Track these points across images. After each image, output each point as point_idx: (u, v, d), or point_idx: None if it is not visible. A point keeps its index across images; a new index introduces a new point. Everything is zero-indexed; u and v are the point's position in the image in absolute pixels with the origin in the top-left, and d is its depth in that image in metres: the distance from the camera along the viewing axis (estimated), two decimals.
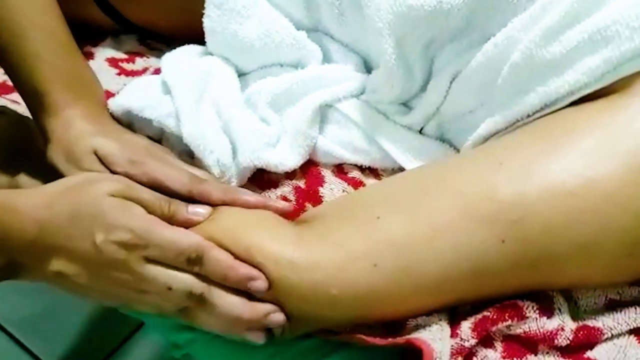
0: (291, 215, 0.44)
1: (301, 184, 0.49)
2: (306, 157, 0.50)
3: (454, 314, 0.40)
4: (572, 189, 0.33)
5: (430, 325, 0.38)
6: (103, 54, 0.62)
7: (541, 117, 0.39)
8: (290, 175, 0.50)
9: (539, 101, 0.38)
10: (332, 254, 0.36)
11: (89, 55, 0.61)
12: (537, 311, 0.38)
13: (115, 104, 0.50)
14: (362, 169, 0.51)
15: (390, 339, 0.38)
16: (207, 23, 0.52)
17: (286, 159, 0.48)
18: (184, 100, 0.48)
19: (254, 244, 0.37)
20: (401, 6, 0.43)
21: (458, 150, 0.47)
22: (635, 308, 0.38)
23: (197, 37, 0.56)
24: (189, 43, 0.57)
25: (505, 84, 0.40)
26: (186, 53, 0.56)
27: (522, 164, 0.35)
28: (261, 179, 0.50)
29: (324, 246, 0.37)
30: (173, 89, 0.49)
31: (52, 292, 1.11)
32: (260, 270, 0.37)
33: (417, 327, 0.38)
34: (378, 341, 0.38)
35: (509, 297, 0.38)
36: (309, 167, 0.51)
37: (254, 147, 0.47)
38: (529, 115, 0.40)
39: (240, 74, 0.54)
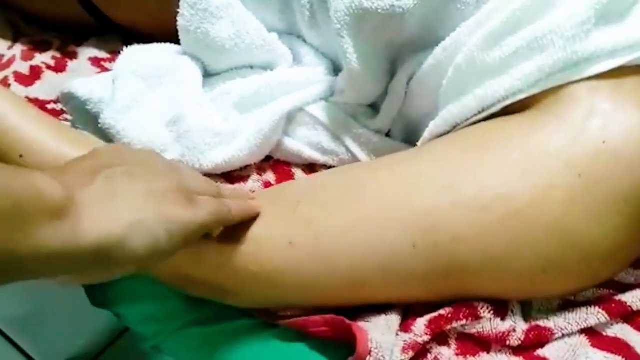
0: None
1: (271, 180, 0.53)
2: (261, 157, 0.54)
3: (408, 313, 0.43)
4: (482, 203, 0.36)
5: (378, 321, 0.41)
6: (86, 53, 0.66)
7: (477, 122, 0.42)
8: (260, 171, 0.54)
9: (476, 104, 0.42)
10: (251, 231, 0.40)
11: (73, 55, 0.66)
12: (491, 312, 0.41)
13: (65, 87, 0.55)
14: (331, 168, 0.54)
15: (323, 320, 0.41)
16: (181, 22, 0.56)
17: (237, 156, 0.52)
18: (122, 93, 0.52)
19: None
20: (357, 9, 0.47)
21: None
22: (587, 308, 0.41)
23: (177, 37, 0.59)
24: (169, 42, 0.61)
25: (449, 86, 0.44)
26: (153, 49, 0.60)
27: (438, 176, 0.38)
28: (230, 174, 0.54)
29: (244, 224, 0.40)
30: (116, 81, 0.54)
31: (45, 291, 1.15)
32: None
33: (366, 323, 0.42)
34: (312, 323, 0.41)
35: (433, 304, 0.41)
36: (280, 165, 0.55)
37: (202, 144, 0.52)
38: (467, 119, 0.43)
39: (212, 74, 0.57)
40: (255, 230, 0.40)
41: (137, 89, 0.53)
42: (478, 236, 0.36)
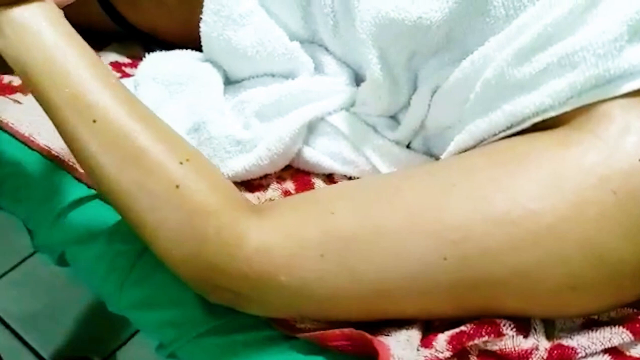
0: None
1: (291, 189, 0.53)
2: (282, 166, 0.54)
3: (429, 328, 0.42)
4: (514, 219, 0.36)
5: (399, 336, 0.41)
6: (107, 58, 0.66)
7: (506, 137, 0.42)
8: (280, 180, 0.53)
9: (505, 120, 0.41)
10: (283, 241, 0.39)
11: None
12: (514, 329, 0.40)
13: None
14: (351, 179, 0.54)
15: (343, 334, 0.40)
16: (204, 28, 0.56)
17: (257, 165, 0.52)
18: (143, 99, 0.51)
19: (214, 210, 0.40)
20: (383, 19, 0.47)
21: None
22: (611, 328, 0.40)
23: (198, 43, 0.59)
24: (191, 49, 0.61)
25: (476, 101, 0.43)
26: (175, 55, 0.60)
27: (471, 189, 0.38)
28: (250, 182, 0.53)
29: (276, 233, 0.40)
30: (138, 86, 0.53)
31: (56, 289, 1.16)
32: (208, 240, 0.39)
33: (386, 337, 0.41)
34: (332, 336, 0.41)
35: (455, 320, 0.40)
36: (300, 174, 0.55)
37: (223, 152, 0.51)
38: (495, 134, 0.42)
39: (233, 82, 0.57)
40: (287, 242, 0.39)
41: (159, 95, 0.53)
42: (508, 251, 0.36)
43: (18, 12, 0.42)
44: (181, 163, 0.40)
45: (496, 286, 0.37)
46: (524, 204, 0.36)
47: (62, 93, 0.41)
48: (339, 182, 0.53)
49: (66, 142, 0.43)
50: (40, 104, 0.43)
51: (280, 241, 0.39)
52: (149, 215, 0.40)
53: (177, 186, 0.39)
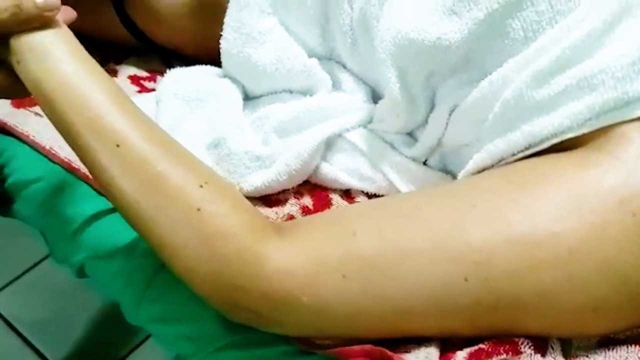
0: None
1: (309, 204, 0.53)
2: (299, 181, 0.54)
3: (447, 345, 0.42)
4: (535, 241, 0.36)
5: (418, 353, 0.41)
6: (126, 71, 0.67)
7: (524, 157, 0.42)
8: (298, 195, 0.54)
9: (523, 140, 0.42)
10: (305, 262, 0.40)
11: (113, 73, 0.67)
12: (531, 347, 0.40)
13: None
14: (368, 195, 0.55)
15: (363, 350, 0.41)
16: (224, 45, 0.57)
17: (276, 180, 0.53)
18: (165, 114, 0.52)
19: (235, 232, 0.40)
20: (403, 39, 0.47)
21: None
22: (627, 346, 0.40)
23: (217, 59, 0.60)
24: (209, 64, 0.62)
25: (495, 121, 0.44)
26: (195, 71, 0.60)
27: (492, 210, 0.38)
28: (268, 197, 0.54)
29: (298, 253, 0.40)
30: (160, 102, 0.53)
31: (64, 294, 1.17)
32: (229, 261, 0.39)
33: (405, 354, 0.41)
34: (351, 352, 0.41)
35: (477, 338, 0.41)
36: (317, 190, 0.56)
37: (242, 168, 0.52)
38: (513, 154, 0.43)
39: (251, 97, 0.58)
40: (309, 262, 0.39)
41: (180, 111, 0.54)
42: (530, 273, 0.36)
43: (39, 39, 0.43)
44: (201, 186, 0.41)
45: (517, 307, 0.37)
46: (544, 226, 0.36)
47: (82, 118, 0.41)
48: (360, 201, 0.53)
49: (87, 166, 0.43)
50: (59, 130, 0.43)
51: (301, 262, 0.39)
52: (170, 238, 0.40)
53: (198, 209, 0.40)
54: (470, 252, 0.37)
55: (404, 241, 0.38)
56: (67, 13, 0.47)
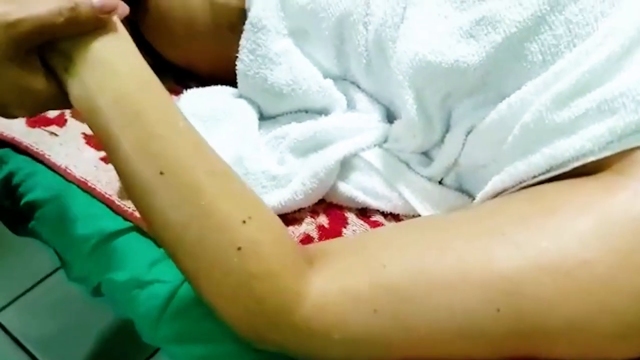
0: None
1: (325, 223, 0.53)
2: (315, 200, 0.54)
3: None
4: (566, 269, 0.36)
5: None
6: None
7: (546, 180, 0.42)
8: (314, 214, 0.54)
9: (545, 163, 0.42)
10: (338, 298, 0.39)
11: None
12: None
13: None
14: (384, 213, 0.55)
15: None
16: (240, 66, 0.58)
17: (293, 200, 0.53)
18: None
19: (274, 273, 0.39)
20: (420, 61, 0.48)
21: None
22: None
23: (231, 78, 0.61)
24: (223, 84, 0.62)
25: (514, 143, 0.44)
26: (211, 91, 0.61)
27: (521, 238, 0.38)
28: (285, 217, 0.54)
29: (331, 289, 0.39)
30: None
31: (70, 310, 1.16)
32: (267, 301, 0.39)
33: None
34: None
35: None
36: (333, 209, 0.56)
37: (259, 187, 0.52)
38: (534, 177, 0.43)
39: (267, 117, 0.58)
40: (341, 298, 0.39)
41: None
42: (562, 302, 0.36)
43: (92, 46, 0.39)
44: (244, 221, 0.39)
45: (548, 335, 0.37)
46: (574, 254, 0.36)
47: (129, 137, 0.39)
48: (376, 220, 0.53)
49: (125, 186, 0.41)
50: (104, 144, 0.40)
51: (334, 298, 0.39)
52: (208, 274, 0.39)
53: (239, 248, 0.38)
54: (501, 281, 0.36)
55: (433, 272, 0.38)
56: (120, 8, 0.43)
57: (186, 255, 0.40)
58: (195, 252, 0.39)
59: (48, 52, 0.40)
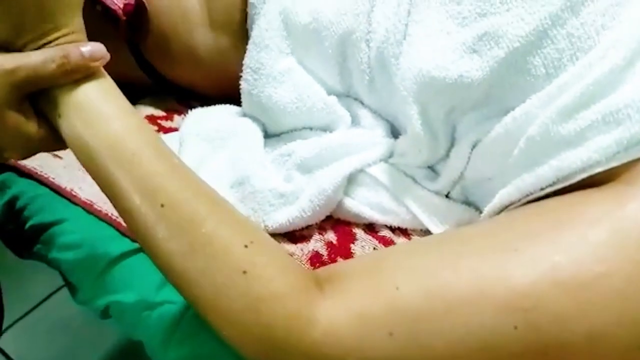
0: None
1: (333, 239, 0.53)
2: (323, 217, 0.55)
3: None
4: (582, 283, 0.36)
5: None
6: (143, 111, 0.68)
7: (554, 192, 0.43)
8: (321, 231, 0.54)
9: (552, 175, 0.42)
10: (351, 323, 0.39)
11: None
12: None
13: None
14: (392, 228, 0.55)
15: None
16: (244, 86, 0.58)
17: (300, 217, 0.53)
18: (189, 155, 0.52)
19: (281, 296, 0.39)
20: (424, 77, 0.48)
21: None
22: None
23: (234, 97, 0.61)
24: (225, 102, 0.63)
25: (521, 156, 0.44)
26: (215, 111, 0.61)
27: (535, 253, 0.38)
28: (292, 234, 0.54)
29: (343, 313, 0.39)
30: (183, 143, 0.54)
31: (69, 333, 1.15)
32: (276, 326, 0.38)
33: None
34: None
35: None
36: (341, 225, 0.56)
37: (267, 205, 0.52)
38: (542, 189, 0.43)
39: (271, 135, 0.58)
40: (355, 323, 0.38)
41: (202, 151, 0.54)
42: (580, 316, 0.36)
43: (84, 93, 0.41)
44: (246, 246, 0.40)
45: (565, 350, 0.37)
46: (589, 267, 0.36)
47: (127, 176, 0.40)
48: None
49: (128, 223, 0.42)
50: (101, 185, 0.42)
51: (347, 323, 0.38)
52: (215, 302, 0.39)
53: (244, 272, 0.39)
54: (517, 298, 0.36)
55: (448, 292, 0.38)
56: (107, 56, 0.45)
57: (191, 284, 0.40)
58: (200, 280, 0.39)
59: (41, 100, 0.42)
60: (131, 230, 0.42)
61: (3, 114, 0.41)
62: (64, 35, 0.42)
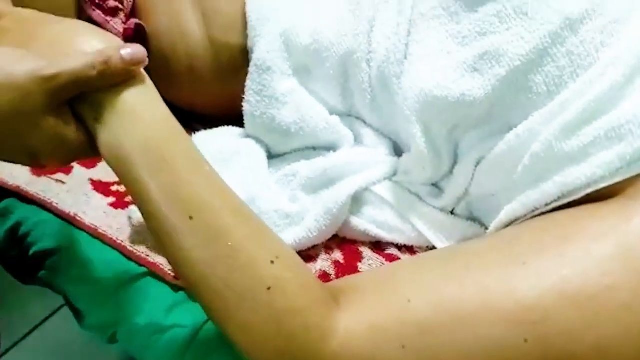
0: None
1: (340, 259, 0.54)
2: (329, 236, 0.55)
3: None
4: (589, 296, 0.37)
5: None
6: None
7: (559, 207, 0.43)
8: (328, 250, 0.55)
9: (557, 190, 0.43)
10: (366, 335, 0.40)
11: None
12: None
13: None
14: (398, 246, 0.56)
15: None
16: (247, 107, 0.59)
17: (307, 237, 0.53)
18: None
19: (302, 310, 0.40)
20: (427, 96, 0.49)
21: (488, 228, 0.52)
22: None
23: (235, 118, 0.61)
24: (227, 123, 0.63)
25: (525, 173, 0.45)
26: (218, 133, 0.62)
27: (542, 267, 0.39)
28: (299, 254, 0.54)
29: (359, 326, 0.40)
30: None
31: (70, 356, 1.14)
32: (296, 338, 0.39)
33: None
34: None
35: None
36: (347, 244, 0.56)
37: (273, 226, 0.52)
38: (547, 204, 0.44)
39: (274, 155, 0.59)
40: (369, 335, 0.39)
41: None
42: (588, 329, 0.37)
43: (121, 97, 0.41)
44: (272, 262, 0.40)
45: None
46: (596, 280, 0.37)
47: (158, 184, 0.40)
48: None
49: (152, 231, 0.42)
50: (130, 191, 0.42)
51: (363, 335, 0.39)
52: (237, 313, 0.40)
53: (268, 288, 0.39)
54: (526, 311, 0.37)
55: (459, 305, 0.39)
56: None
57: (214, 294, 0.40)
58: (223, 291, 0.40)
59: (78, 103, 0.42)
60: (155, 235, 0.43)
61: (42, 119, 0.41)
62: None
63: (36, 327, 1.22)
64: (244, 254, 0.40)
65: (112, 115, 0.41)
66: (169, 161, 0.40)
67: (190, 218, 0.40)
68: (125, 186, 0.42)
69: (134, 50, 0.41)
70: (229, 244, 0.40)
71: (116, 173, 0.42)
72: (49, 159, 0.44)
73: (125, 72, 0.41)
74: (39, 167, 0.45)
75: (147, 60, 0.42)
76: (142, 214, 0.42)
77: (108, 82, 0.41)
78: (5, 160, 0.44)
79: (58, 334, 1.20)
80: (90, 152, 0.43)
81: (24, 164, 0.45)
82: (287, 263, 0.41)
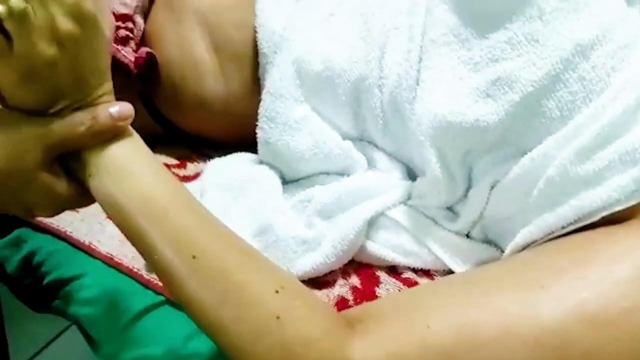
0: None
1: (357, 284, 0.54)
2: (345, 261, 0.56)
3: None
4: (609, 319, 0.38)
5: None
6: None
7: (575, 230, 0.44)
8: (345, 275, 0.55)
9: (573, 214, 0.44)
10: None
11: None
12: None
13: None
14: (415, 270, 0.56)
15: None
16: (260, 134, 0.59)
17: (325, 263, 0.54)
18: (211, 206, 0.53)
19: (315, 338, 0.40)
20: (441, 122, 0.50)
21: (503, 251, 0.52)
22: None
23: (248, 144, 0.62)
24: (237, 149, 0.64)
25: (540, 196, 0.46)
26: (232, 160, 0.62)
27: (561, 290, 0.39)
28: (316, 280, 0.55)
29: (377, 353, 0.40)
30: (204, 194, 0.55)
31: None
32: None
33: None
34: None
35: None
36: (364, 268, 0.57)
37: (290, 253, 0.53)
38: (563, 227, 0.45)
39: (288, 181, 0.59)
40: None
41: (224, 201, 0.56)
42: (608, 352, 0.37)
43: (113, 153, 0.43)
44: (277, 292, 0.41)
45: None
46: (615, 303, 0.38)
47: (158, 231, 0.41)
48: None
49: (161, 277, 0.43)
50: (133, 242, 0.43)
51: None
52: (251, 348, 0.40)
53: (278, 317, 0.40)
54: (546, 335, 0.38)
55: (479, 330, 0.39)
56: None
57: (226, 332, 0.41)
58: (235, 329, 0.40)
59: (71, 160, 0.44)
60: (163, 282, 0.44)
61: (36, 175, 0.43)
62: (96, 98, 0.43)
63: (43, 348, 1.22)
64: (249, 289, 0.41)
65: (105, 171, 0.43)
66: (166, 209, 0.42)
67: (194, 258, 0.41)
68: (125, 236, 0.43)
69: (122, 108, 0.43)
70: (234, 280, 0.41)
71: (116, 224, 0.43)
72: (42, 211, 0.46)
73: (114, 128, 0.43)
74: (31, 218, 0.47)
75: (133, 115, 0.44)
76: (146, 262, 0.44)
77: (97, 139, 0.43)
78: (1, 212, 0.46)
79: (65, 356, 1.20)
80: (82, 203, 0.46)
81: (18, 215, 0.47)
82: (292, 291, 0.42)
